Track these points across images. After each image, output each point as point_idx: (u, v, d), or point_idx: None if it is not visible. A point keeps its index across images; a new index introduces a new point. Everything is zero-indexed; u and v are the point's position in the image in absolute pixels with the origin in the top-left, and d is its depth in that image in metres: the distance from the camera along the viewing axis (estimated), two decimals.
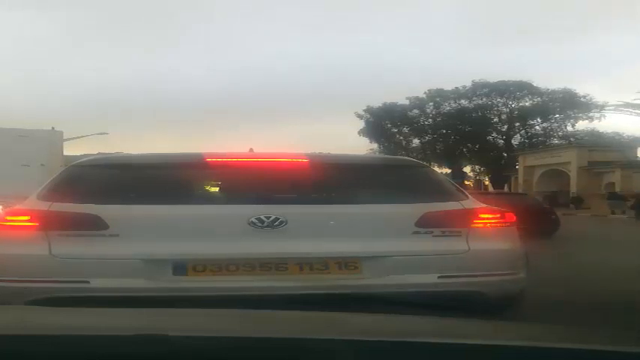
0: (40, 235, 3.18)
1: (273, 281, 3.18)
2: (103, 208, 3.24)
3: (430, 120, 46.90)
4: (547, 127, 45.66)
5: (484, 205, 3.65)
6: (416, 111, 46.82)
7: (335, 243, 3.26)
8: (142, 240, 3.20)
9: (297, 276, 3.20)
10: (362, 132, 47.30)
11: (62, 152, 19.14)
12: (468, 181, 48.77)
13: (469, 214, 3.46)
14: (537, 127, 46.05)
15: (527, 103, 44.57)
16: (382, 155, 33.92)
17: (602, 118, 40.86)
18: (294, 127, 68.11)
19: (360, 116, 47.21)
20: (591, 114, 41.58)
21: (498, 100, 44.85)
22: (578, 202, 32.51)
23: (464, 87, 44.66)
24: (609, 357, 1.21)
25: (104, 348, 1.15)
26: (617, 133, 41.79)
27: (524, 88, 43.75)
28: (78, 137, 31.04)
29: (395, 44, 77.82)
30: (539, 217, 14.05)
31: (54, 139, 18.65)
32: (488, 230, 3.48)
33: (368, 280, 3.25)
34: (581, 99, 42.22)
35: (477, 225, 3.45)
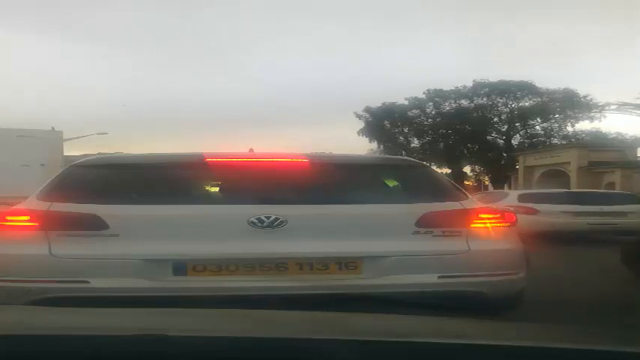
0: (40, 235, 3.18)
1: (273, 281, 3.18)
2: (103, 208, 3.24)
3: (430, 120, 46.88)
4: (547, 127, 45.62)
5: (484, 205, 3.65)
6: (415, 111, 46.79)
7: (335, 243, 3.26)
8: (142, 240, 3.20)
9: (297, 276, 3.20)
10: (362, 132, 47.29)
11: (62, 152, 19.16)
12: (468, 180, 48.77)
13: (469, 214, 3.46)
14: (537, 127, 46.03)
15: (527, 103, 44.54)
16: (382, 155, 33.93)
17: (603, 119, 40.84)
18: (294, 127, 68.13)
19: (359, 116, 47.19)
20: (592, 114, 41.56)
21: (498, 100, 44.82)
22: None
23: (464, 87, 44.63)
24: (609, 357, 1.21)
25: (104, 348, 1.15)
26: (620, 134, 41.71)
27: (525, 88, 43.68)
28: (78, 137, 31.06)
29: (394, 44, 77.81)
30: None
31: (54, 139, 18.68)
32: (488, 230, 3.48)
33: (368, 280, 3.25)
34: (582, 99, 42.18)
35: (476, 225, 3.45)
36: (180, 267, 3.19)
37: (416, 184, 3.80)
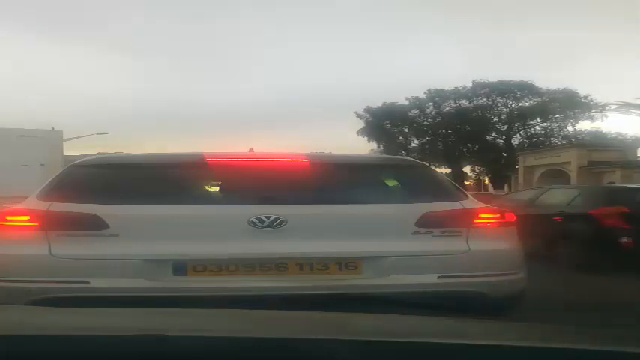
0: (40, 235, 3.18)
1: (273, 281, 3.18)
2: (103, 208, 3.24)
3: (430, 120, 46.86)
4: (547, 127, 45.61)
5: (484, 205, 3.65)
6: (415, 111, 46.77)
7: (335, 243, 3.26)
8: (142, 240, 3.20)
9: (297, 276, 3.20)
10: (362, 132, 47.30)
11: (62, 152, 19.22)
12: (468, 180, 48.79)
13: (469, 214, 3.46)
14: (537, 127, 46.02)
15: (527, 103, 44.53)
16: (382, 155, 33.93)
17: (604, 119, 40.83)
18: (294, 127, 68.22)
19: (359, 116, 47.21)
20: (592, 114, 41.55)
21: (498, 100, 44.82)
22: None
23: (464, 87, 44.62)
24: (609, 357, 1.21)
25: (104, 348, 1.15)
26: (620, 134, 41.67)
27: (524, 88, 43.67)
28: (78, 137, 31.05)
29: (394, 44, 77.84)
30: None
31: (54, 139, 18.75)
32: (488, 230, 3.48)
33: (368, 280, 3.25)
34: (582, 99, 42.17)
35: (476, 225, 3.45)
36: (181, 267, 3.19)
37: (416, 184, 3.80)
